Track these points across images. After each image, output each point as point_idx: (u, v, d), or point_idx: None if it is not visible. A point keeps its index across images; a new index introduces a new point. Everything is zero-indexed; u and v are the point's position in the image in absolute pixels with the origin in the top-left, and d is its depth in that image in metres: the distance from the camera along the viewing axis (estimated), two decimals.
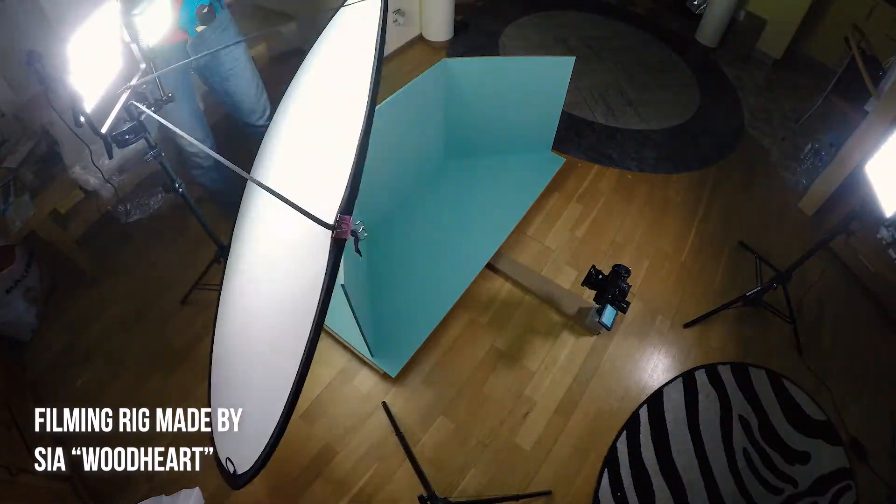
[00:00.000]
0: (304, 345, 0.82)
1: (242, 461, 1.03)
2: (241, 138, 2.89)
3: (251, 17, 2.79)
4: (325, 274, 0.81)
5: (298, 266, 1.01)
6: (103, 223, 2.30)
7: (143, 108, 1.30)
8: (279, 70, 3.06)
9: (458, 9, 3.47)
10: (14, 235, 1.93)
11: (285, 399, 0.85)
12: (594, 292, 2.03)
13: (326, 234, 0.81)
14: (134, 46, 1.35)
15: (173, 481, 1.88)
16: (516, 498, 1.81)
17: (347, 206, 0.80)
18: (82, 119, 1.16)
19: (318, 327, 0.82)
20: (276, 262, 1.21)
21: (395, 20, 3.29)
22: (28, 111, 2.14)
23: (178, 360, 2.16)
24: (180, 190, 1.63)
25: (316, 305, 0.81)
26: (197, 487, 1.79)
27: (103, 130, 1.23)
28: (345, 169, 0.87)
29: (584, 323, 2.23)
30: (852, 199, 2.42)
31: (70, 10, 2.20)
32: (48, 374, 2.15)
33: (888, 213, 1.64)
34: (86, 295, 2.35)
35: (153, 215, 2.30)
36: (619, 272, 1.98)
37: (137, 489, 1.88)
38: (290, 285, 1.04)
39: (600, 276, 1.99)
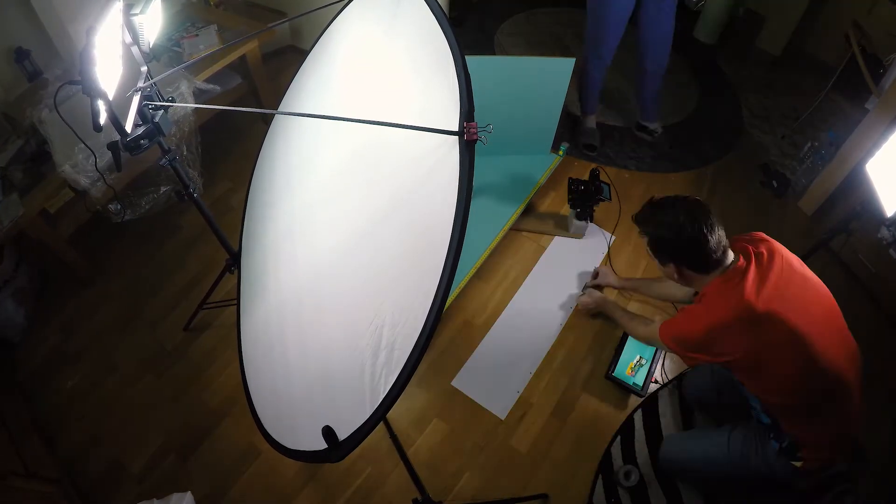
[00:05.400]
0: (444, 252, 0.93)
1: (343, 425, 1.02)
2: (237, 136, 2.87)
3: (244, 14, 2.76)
4: (462, 176, 0.90)
5: (408, 191, 1.08)
6: (94, 223, 2.27)
7: (160, 104, 1.25)
8: (273, 66, 3.04)
9: (453, 5, 3.43)
10: (3, 235, 1.90)
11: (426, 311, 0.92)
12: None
13: (441, 147, 0.95)
14: (135, 49, 1.32)
15: (165, 484, 1.86)
16: (512, 501, 1.79)
17: (469, 115, 0.93)
18: (102, 122, 1.11)
19: (463, 223, 0.92)
20: (358, 201, 1.26)
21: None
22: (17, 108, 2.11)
23: (170, 360, 2.14)
24: (195, 195, 1.60)
25: (452, 217, 0.92)
26: (189, 491, 1.77)
27: (127, 129, 1.18)
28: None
29: (568, 230, 2.51)
30: (852, 199, 2.40)
31: (61, 6, 2.18)
32: (38, 376, 2.13)
33: (889, 213, 1.63)
34: (77, 295, 2.33)
35: (145, 215, 2.27)
36: (596, 174, 2.31)
37: (128, 492, 1.86)
38: (402, 212, 1.09)
39: (582, 188, 2.31)
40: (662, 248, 1.42)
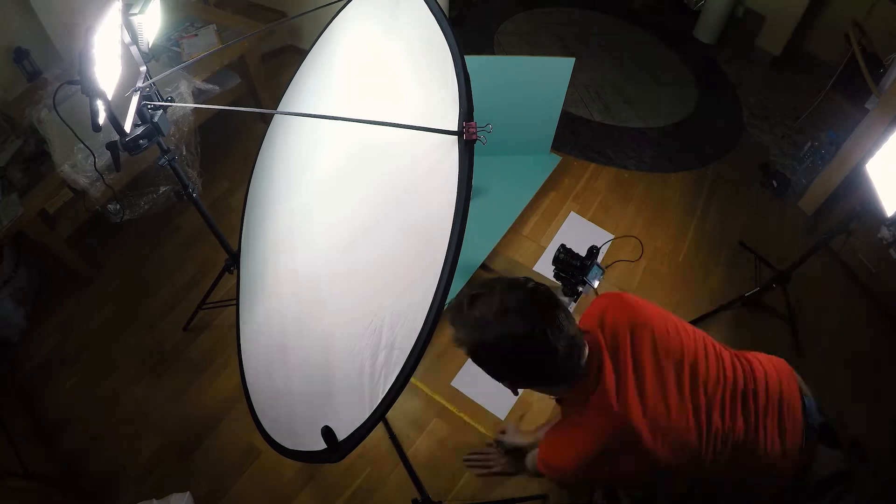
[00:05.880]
0: (443, 252, 0.93)
1: (343, 425, 1.02)
2: (236, 136, 2.87)
3: (243, 14, 2.76)
4: (462, 175, 0.90)
5: (404, 192, 1.09)
6: (93, 223, 2.27)
7: (159, 104, 1.25)
8: (272, 66, 3.04)
9: (453, 5, 3.43)
10: (2, 235, 1.90)
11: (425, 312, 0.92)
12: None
13: (440, 147, 0.95)
14: (134, 49, 1.32)
15: (164, 484, 1.86)
16: (512, 501, 1.79)
17: (468, 115, 0.92)
18: (101, 122, 1.11)
19: (462, 223, 0.91)
20: (357, 204, 1.25)
21: None
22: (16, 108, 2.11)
23: (168, 361, 2.14)
24: (194, 195, 1.60)
25: (451, 217, 0.91)
26: (188, 491, 1.77)
27: (126, 129, 1.18)
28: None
29: None
30: (852, 199, 2.40)
31: (60, 6, 2.18)
32: (37, 376, 2.12)
33: (889, 213, 1.62)
34: (75, 295, 2.32)
35: (144, 215, 2.27)
36: (594, 253, 1.91)
37: (128, 492, 1.85)
38: (397, 215, 1.09)
39: (561, 256, 1.89)
40: (491, 367, 1.03)
